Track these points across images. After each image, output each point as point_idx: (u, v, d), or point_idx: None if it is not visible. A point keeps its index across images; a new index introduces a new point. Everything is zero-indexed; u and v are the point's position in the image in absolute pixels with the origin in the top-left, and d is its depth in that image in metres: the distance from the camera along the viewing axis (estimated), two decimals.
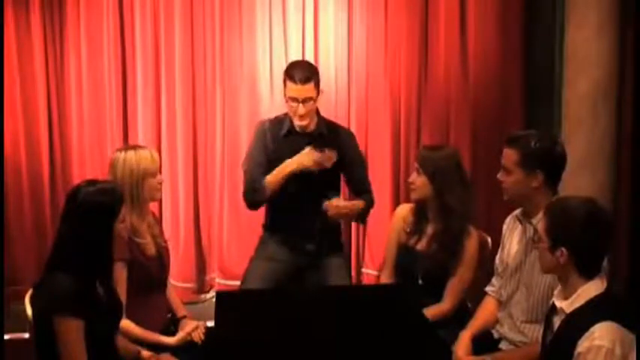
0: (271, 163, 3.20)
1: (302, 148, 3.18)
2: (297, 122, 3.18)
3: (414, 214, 2.96)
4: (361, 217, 3.34)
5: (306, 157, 3.13)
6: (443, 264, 2.86)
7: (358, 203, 3.22)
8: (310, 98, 3.15)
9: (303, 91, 3.12)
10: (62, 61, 4.22)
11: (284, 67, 4.21)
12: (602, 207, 2.15)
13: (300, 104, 3.13)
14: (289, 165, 3.14)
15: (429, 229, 2.92)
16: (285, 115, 3.29)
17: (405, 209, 3.05)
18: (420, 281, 2.89)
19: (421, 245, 2.92)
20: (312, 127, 3.23)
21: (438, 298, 2.87)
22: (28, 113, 4.20)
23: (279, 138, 3.25)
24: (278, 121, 3.31)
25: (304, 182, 3.15)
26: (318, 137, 3.23)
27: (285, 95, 3.19)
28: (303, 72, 3.16)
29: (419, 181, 2.86)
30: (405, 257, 2.96)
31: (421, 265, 2.88)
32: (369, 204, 3.31)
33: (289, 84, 3.14)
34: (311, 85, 3.14)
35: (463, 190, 2.86)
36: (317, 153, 3.12)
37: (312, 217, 3.18)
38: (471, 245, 2.87)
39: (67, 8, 4.17)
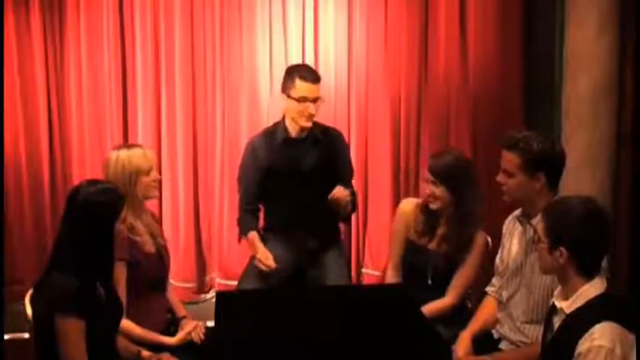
0: (269, 175, 3.21)
1: (299, 155, 3.17)
2: (303, 123, 3.16)
3: (425, 215, 2.91)
4: (352, 204, 3.29)
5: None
6: (454, 264, 2.85)
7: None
8: (319, 98, 3.15)
9: (315, 90, 3.13)
10: (62, 61, 4.22)
11: (284, 67, 4.23)
12: (601, 206, 2.15)
13: (311, 104, 3.12)
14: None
15: (440, 230, 2.90)
16: (275, 125, 3.29)
17: (409, 205, 3.00)
18: (430, 281, 2.88)
19: (432, 245, 2.90)
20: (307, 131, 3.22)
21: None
22: (28, 113, 4.20)
23: (275, 148, 3.22)
24: (269, 133, 3.30)
25: (299, 181, 3.15)
26: (313, 143, 3.22)
27: (289, 97, 3.14)
28: (313, 72, 3.20)
29: (438, 191, 2.81)
30: (414, 256, 2.93)
31: (432, 265, 2.87)
32: (354, 193, 3.32)
33: (300, 83, 3.11)
34: (320, 86, 3.16)
35: (477, 192, 2.86)
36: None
37: (310, 216, 3.18)
38: (480, 243, 2.87)
39: (67, 8, 4.16)
